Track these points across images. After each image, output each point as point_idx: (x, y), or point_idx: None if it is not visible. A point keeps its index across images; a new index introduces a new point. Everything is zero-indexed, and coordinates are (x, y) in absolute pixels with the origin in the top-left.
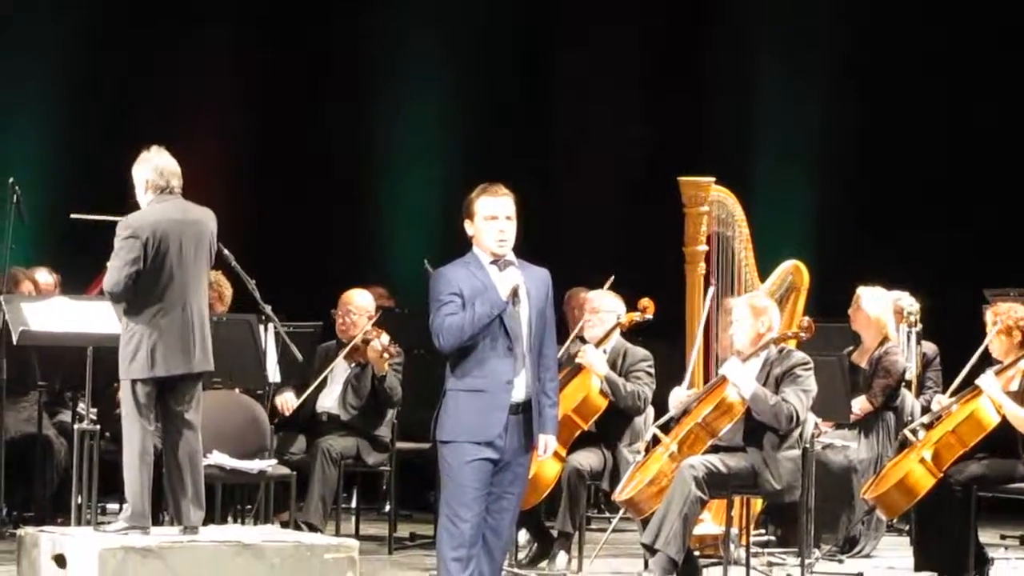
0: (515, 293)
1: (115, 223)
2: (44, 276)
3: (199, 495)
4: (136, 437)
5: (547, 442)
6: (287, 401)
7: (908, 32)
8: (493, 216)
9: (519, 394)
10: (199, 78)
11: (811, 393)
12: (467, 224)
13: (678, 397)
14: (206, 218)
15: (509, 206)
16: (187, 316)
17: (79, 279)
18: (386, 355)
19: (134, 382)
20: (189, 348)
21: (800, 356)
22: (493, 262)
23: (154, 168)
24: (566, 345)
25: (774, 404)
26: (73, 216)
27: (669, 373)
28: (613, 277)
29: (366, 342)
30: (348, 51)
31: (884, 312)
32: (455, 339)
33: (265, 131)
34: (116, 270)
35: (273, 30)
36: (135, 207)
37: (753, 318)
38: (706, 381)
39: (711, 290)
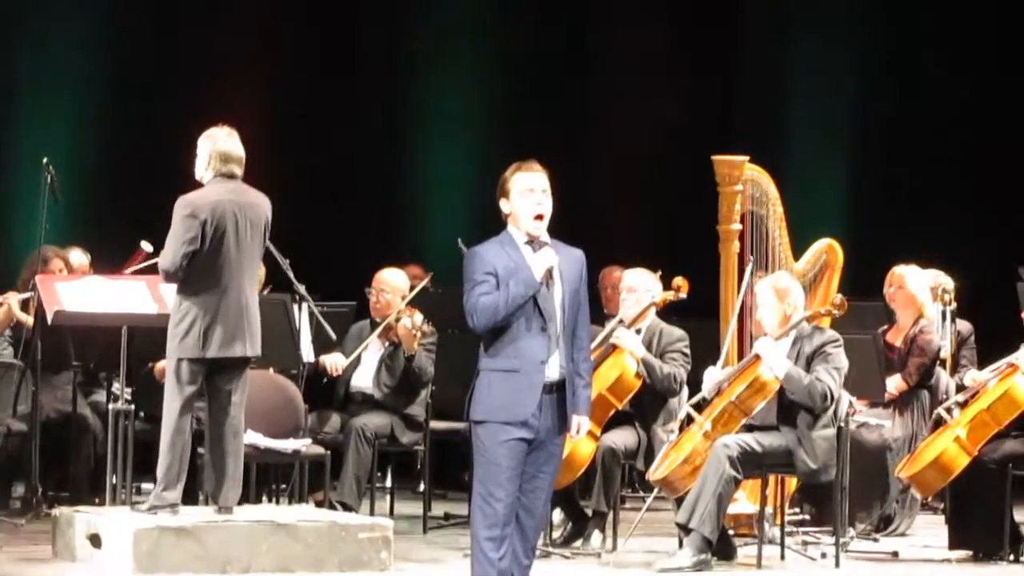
0: (549, 274)
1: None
2: (78, 256)
3: (238, 475)
4: (174, 414)
5: (580, 423)
6: (336, 363)
7: (941, 7)
8: (530, 189)
9: (553, 374)
10: (227, 61)
11: (843, 370)
12: (502, 202)
13: (713, 377)
14: (262, 202)
15: (544, 181)
16: (241, 299)
17: (113, 259)
18: (417, 334)
19: (180, 360)
20: (242, 331)
21: (830, 333)
22: (528, 242)
23: (220, 153)
24: (607, 329)
25: (808, 383)
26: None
27: (704, 352)
28: (660, 272)
29: (399, 321)
30: (378, 29)
31: (924, 291)
32: (489, 319)
33: (297, 111)
34: (173, 249)
35: (300, 8)
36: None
37: (778, 300)
38: (741, 360)
39: (749, 267)
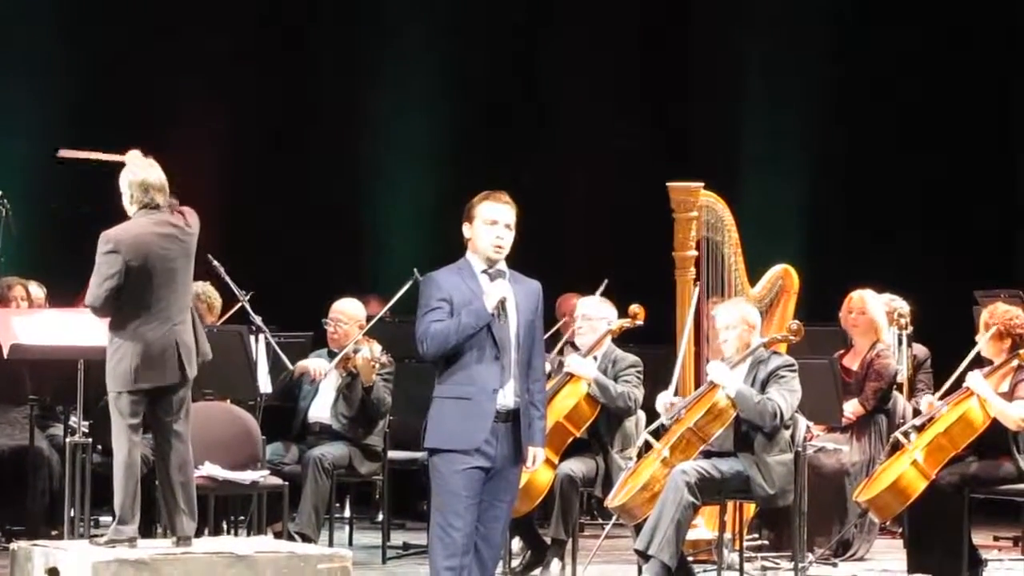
0: (502, 306)
1: (106, 163)
2: (34, 290)
3: (191, 505)
4: (123, 447)
5: (536, 454)
6: (320, 367)
7: (895, 34)
8: (494, 221)
9: (507, 402)
10: (189, 92)
11: (796, 393)
12: (465, 227)
13: (664, 402)
14: (189, 226)
15: (510, 215)
16: (172, 328)
17: (69, 291)
18: (375, 365)
19: (119, 393)
20: (174, 360)
21: (784, 358)
22: (485, 271)
23: (139, 184)
24: (555, 350)
25: (758, 402)
26: (61, 154)
27: (660, 378)
28: (606, 282)
29: (356, 351)
30: (334, 55)
31: (882, 316)
32: (439, 347)
33: (257, 144)
34: (96, 285)
35: (265, 40)
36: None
37: (742, 324)
38: (696, 385)
39: (696, 291)
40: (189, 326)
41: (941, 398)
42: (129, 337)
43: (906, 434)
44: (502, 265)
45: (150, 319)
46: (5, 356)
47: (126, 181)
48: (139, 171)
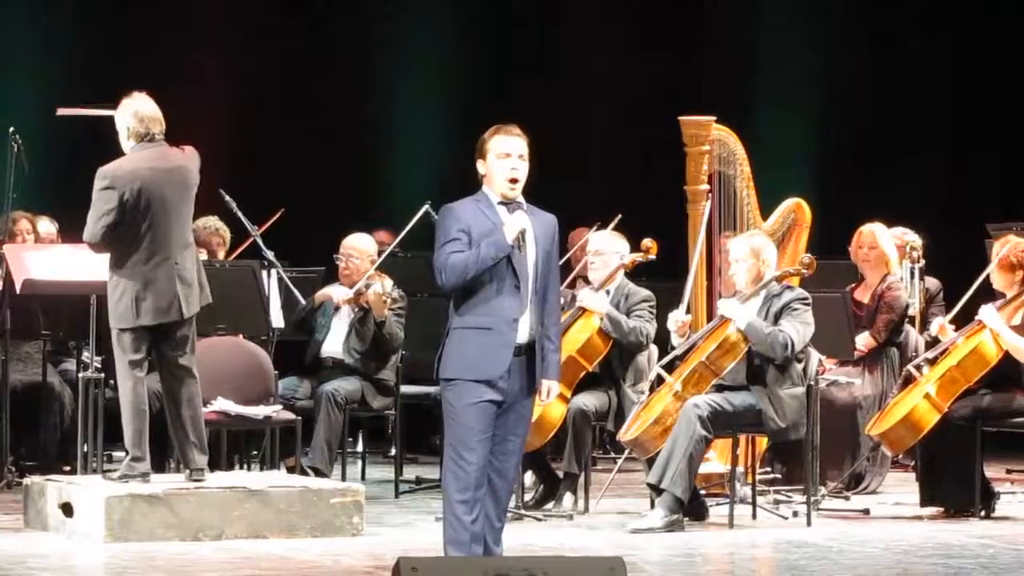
0: (521, 237)
1: (103, 116)
2: (45, 225)
3: (201, 438)
4: (127, 383)
5: (550, 387)
6: (340, 295)
7: None
8: (507, 154)
9: (523, 335)
10: (198, 23)
11: (809, 326)
12: (479, 163)
13: (676, 319)
14: (188, 162)
15: (522, 146)
16: (171, 264)
17: (82, 227)
18: (387, 300)
19: (121, 331)
20: (175, 296)
21: (798, 291)
22: (503, 203)
23: (134, 115)
24: (567, 281)
25: (769, 333)
26: (60, 113)
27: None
28: (620, 216)
29: (368, 287)
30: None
31: (892, 249)
32: (457, 277)
33: (266, 76)
34: (92, 221)
35: None
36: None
37: (752, 258)
38: (709, 319)
39: (704, 218)
40: (190, 263)
41: (950, 323)
42: (128, 275)
43: (918, 367)
44: (519, 198)
45: (149, 255)
46: (18, 291)
47: (121, 116)
48: (132, 103)
